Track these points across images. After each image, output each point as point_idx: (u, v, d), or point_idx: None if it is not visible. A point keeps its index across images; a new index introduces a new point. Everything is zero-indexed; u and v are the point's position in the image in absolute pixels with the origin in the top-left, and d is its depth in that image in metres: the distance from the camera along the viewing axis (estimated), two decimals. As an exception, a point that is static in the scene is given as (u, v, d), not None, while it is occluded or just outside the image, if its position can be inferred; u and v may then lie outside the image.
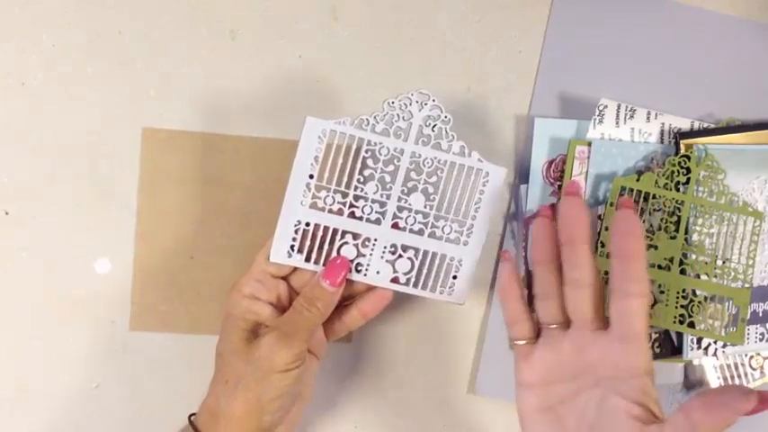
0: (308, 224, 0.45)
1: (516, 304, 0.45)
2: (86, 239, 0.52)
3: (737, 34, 0.57)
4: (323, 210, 0.45)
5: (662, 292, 0.51)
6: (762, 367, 0.55)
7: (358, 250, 0.45)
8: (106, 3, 0.52)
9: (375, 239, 0.45)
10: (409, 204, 0.45)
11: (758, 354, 0.55)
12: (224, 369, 0.44)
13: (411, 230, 0.46)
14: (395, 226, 0.46)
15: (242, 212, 0.53)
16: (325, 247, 0.45)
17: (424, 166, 0.45)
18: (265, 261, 0.45)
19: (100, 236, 0.52)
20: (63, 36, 0.52)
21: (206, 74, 0.53)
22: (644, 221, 0.52)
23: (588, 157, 0.53)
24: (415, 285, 0.46)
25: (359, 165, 0.45)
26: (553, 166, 0.54)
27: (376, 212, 0.45)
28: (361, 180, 0.45)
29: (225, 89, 0.53)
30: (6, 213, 0.52)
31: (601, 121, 0.53)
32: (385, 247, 0.45)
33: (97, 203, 0.52)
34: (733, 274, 0.52)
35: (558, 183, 0.54)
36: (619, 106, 0.54)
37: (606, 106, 0.53)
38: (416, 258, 0.46)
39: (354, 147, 0.44)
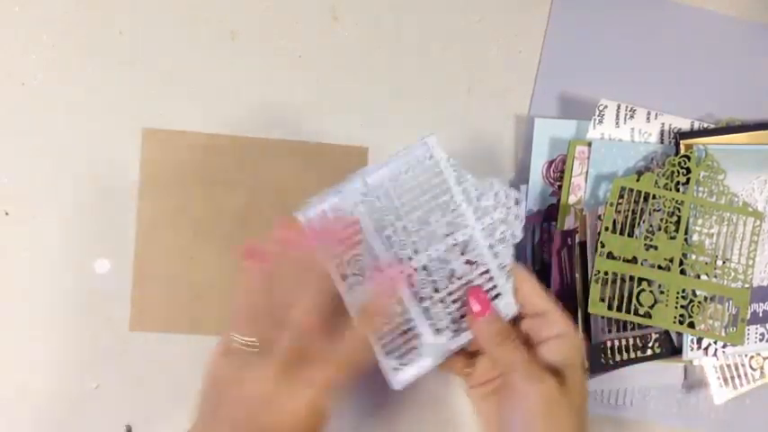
0: None
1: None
2: (86, 239, 0.52)
3: (737, 34, 0.57)
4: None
5: (662, 293, 0.51)
6: (762, 368, 0.55)
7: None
8: (106, 3, 0.52)
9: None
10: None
11: (758, 354, 0.55)
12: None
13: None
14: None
15: (242, 212, 0.53)
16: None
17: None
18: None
19: (100, 236, 0.52)
20: (63, 36, 0.52)
21: (206, 74, 0.53)
22: (644, 221, 0.52)
23: (588, 158, 0.53)
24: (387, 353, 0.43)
25: (356, 242, 0.42)
26: (553, 166, 0.54)
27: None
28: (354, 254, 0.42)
29: (225, 89, 0.53)
30: (6, 213, 0.52)
31: (601, 122, 0.53)
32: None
33: (97, 203, 0.52)
34: (733, 274, 0.52)
35: (558, 183, 0.54)
36: (619, 106, 0.54)
37: (606, 106, 0.53)
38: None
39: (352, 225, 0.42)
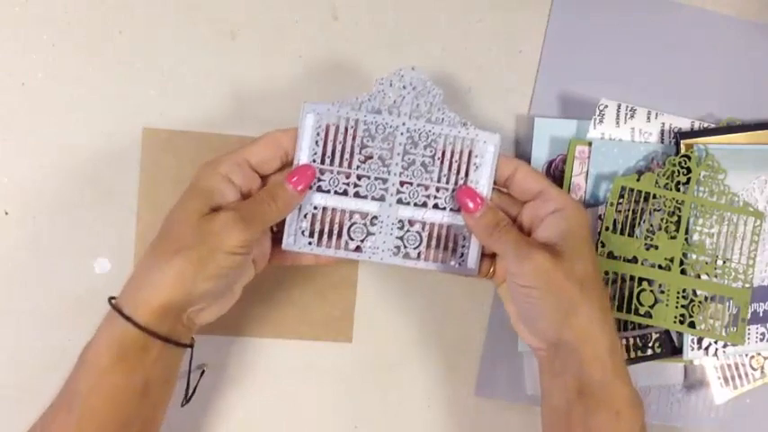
0: (315, 207, 0.45)
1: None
2: (86, 239, 0.52)
3: (737, 34, 0.57)
4: (328, 192, 0.45)
5: (662, 292, 0.51)
6: (762, 367, 0.55)
7: (367, 229, 0.46)
8: (106, 3, 0.52)
9: (382, 217, 0.46)
10: (410, 178, 0.46)
11: (758, 354, 0.55)
12: (168, 236, 0.42)
13: (415, 204, 0.46)
14: (399, 201, 0.46)
15: (242, 212, 0.53)
16: (335, 229, 0.46)
17: (420, 139, 0.45)
18: (252, 151, 0.44)
19: (100, 236, 0.52)
20: (63, 36, 0.52)
21: (206, 74, 0.53)
22: (644, 221, 0.52)
23: (588, 157, 0.53)
24: (426, 258, 0.47)
25: (358, 144, 0.45)
26: (553, 165, 0.54)
27: (380, 189, 0.46)
28: (362, 159, 0.45)
29: (225, 89, 0.53)
30: (6, 213, 0.52)
31: (601, 121, 0.53)
32: (393, 224, 0.46)
33: (97, 203, 0.52)
34: (733, 274, 0.52)
35: (559, 183, 0.54)
36: (619, 106, 0.54)
37: (606, 106, 0.53)
38: (424, 231, 0.46)
39: (352, 127, 0.45)
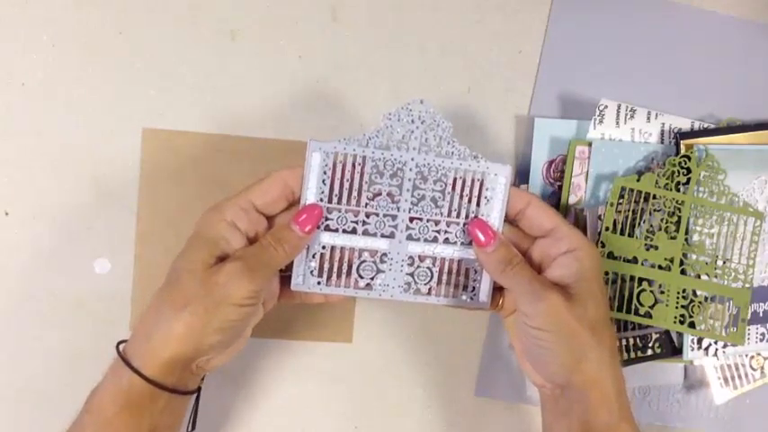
0: (324, 247, 0.45)
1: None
2: (86, 239, 0.52)
3: (737, 34, 0.57)
4: (337, 230, 0.45)
5: (662, 293, 0.51)
6: (762, 367, 0.55)
7: (377, 267, 0.45)
8: (106, 3, 0.52)
9: (391, 254, 0.45)
10: (420, 214, 0.45)
11: (758, 354, 0.55)
12: (175, 288, 0.41)
13: (425, 239, 0.45)
14: (409, 237, 0.45)
15: (242, 212, 0.53)
16: (344, 267, 0.45)
17: (430, 174, 0.45)
18: (257, 193, 0.43)
19: (100, 236, 0.52)
20: (63, 36, 0.52)
21: (206, 74, 0.53)
22: (644, 221, 0.52)
23: (588, 158, 0.53)
24: (437, 294, 0.46)
25: (366, 181, 0.44)
26: (553, 166, 0.54)
27: (389, 227, 0.45)
28: (371, 196, 0.45)
29: (225, 89, 0.53)
30: (6, 213, 0.52)
31: (601, 121, 0.53)
32: (403, 260, 0.45)
33: (97, 203, 0.52)
34: (733, 274, 0.52)
35: (558, 183, 0.54)
36: (619, 106, 0.54)
37: (606, 106, 0.53)
38: (434, 266, 0.46)
39: (359, 164, 0.44)
